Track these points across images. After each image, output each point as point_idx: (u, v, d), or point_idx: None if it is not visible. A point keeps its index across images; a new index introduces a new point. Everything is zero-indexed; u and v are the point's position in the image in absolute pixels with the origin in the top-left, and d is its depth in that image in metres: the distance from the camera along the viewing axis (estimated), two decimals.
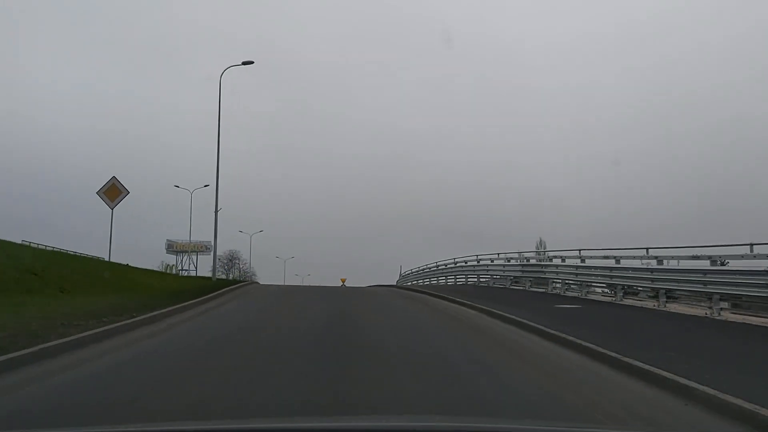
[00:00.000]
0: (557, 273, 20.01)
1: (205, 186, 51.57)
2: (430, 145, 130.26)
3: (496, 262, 25.80)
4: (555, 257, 21.65)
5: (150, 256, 79.40)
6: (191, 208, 52.31)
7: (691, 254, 14.05)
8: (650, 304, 14.94)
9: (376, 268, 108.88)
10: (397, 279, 43.58)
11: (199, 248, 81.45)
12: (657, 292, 14.65)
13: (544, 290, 20.63)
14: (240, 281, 34.42)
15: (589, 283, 18.20)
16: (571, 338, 9.34)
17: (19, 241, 22.62)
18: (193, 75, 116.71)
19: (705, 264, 13.25)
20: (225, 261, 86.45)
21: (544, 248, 52.03)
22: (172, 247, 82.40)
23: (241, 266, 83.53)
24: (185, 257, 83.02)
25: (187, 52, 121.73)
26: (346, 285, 52.42)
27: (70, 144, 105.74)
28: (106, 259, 22.96)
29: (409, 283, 38.40)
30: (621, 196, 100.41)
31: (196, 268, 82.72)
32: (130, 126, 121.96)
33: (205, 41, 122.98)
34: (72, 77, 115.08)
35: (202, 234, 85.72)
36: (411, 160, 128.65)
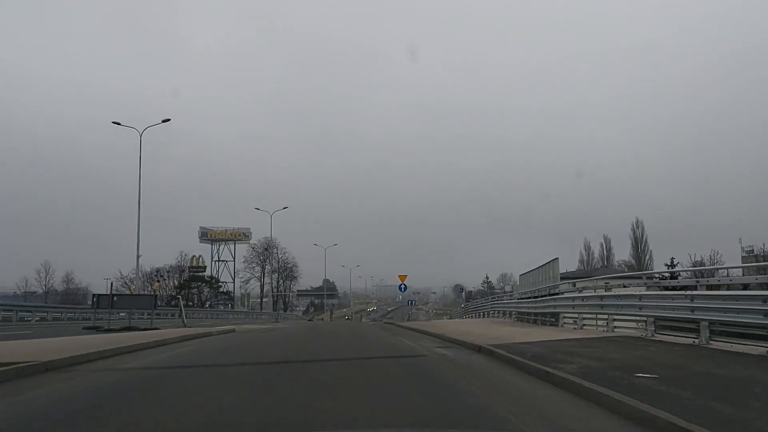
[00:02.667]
0: None
1: (164, 121, 39.90)
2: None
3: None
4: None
5: (173, 251, 72.78)
6: (140, 151, 37.78)
7: None
8: None
9: (443, 258, 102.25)
10: (516, 293, 29.50)
11: (237, 236, 76.23)
12: None
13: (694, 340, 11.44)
14: None
15: None
16: None
17: None
18: None
19: None
20: (260, 251, 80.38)
21: (642, 231, 45.65)
22: (206, 236, 77.27)
23: (279, 256, 77.50)
24: (221, 246, 77.94)
25: None
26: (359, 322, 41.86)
27: None
28: None
29: (535, 312, 21.80)
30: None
31: (234, 259, 77.51)
32: None
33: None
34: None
35: (199, 217, 79.64)
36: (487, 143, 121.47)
